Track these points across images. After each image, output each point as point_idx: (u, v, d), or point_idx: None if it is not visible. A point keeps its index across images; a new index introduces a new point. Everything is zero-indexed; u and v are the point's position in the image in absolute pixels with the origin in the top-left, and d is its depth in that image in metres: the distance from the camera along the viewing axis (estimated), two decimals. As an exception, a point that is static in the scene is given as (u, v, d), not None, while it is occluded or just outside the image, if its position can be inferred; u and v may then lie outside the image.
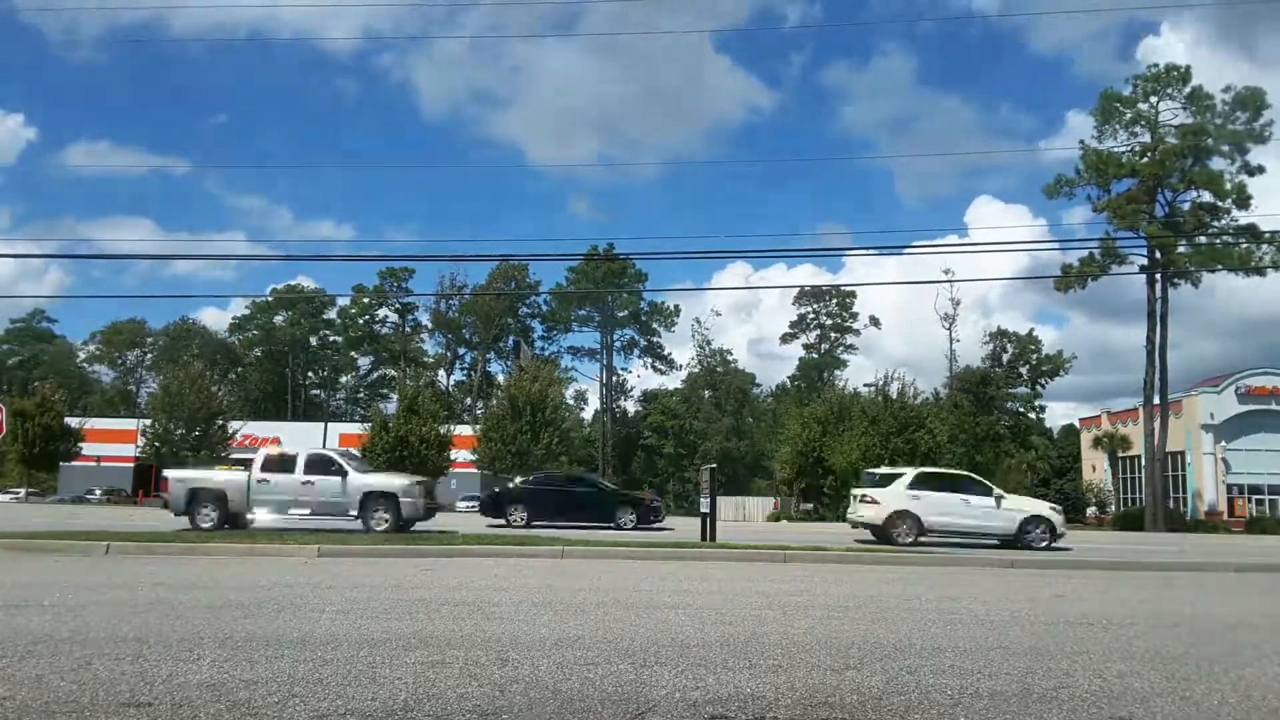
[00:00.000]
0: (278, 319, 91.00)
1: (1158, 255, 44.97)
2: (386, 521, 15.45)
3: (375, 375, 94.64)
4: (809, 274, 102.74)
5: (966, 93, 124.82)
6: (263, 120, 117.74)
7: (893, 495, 16.95)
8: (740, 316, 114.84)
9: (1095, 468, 64.28)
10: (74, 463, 55.11)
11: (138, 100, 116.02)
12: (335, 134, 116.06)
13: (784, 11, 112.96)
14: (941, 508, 16.69)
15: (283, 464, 16.08)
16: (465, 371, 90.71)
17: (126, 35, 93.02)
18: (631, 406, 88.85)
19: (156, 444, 52.32)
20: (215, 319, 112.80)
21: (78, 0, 70.55)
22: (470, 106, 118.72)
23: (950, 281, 60.58)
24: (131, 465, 60.49)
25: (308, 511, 15.72)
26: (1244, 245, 42.24)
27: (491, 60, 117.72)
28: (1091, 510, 61.96)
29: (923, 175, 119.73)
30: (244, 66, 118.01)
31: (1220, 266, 42.64)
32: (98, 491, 56.00)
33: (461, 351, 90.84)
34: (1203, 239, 43.96)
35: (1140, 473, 53.91)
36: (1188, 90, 43.95)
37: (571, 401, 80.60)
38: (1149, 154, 44.43)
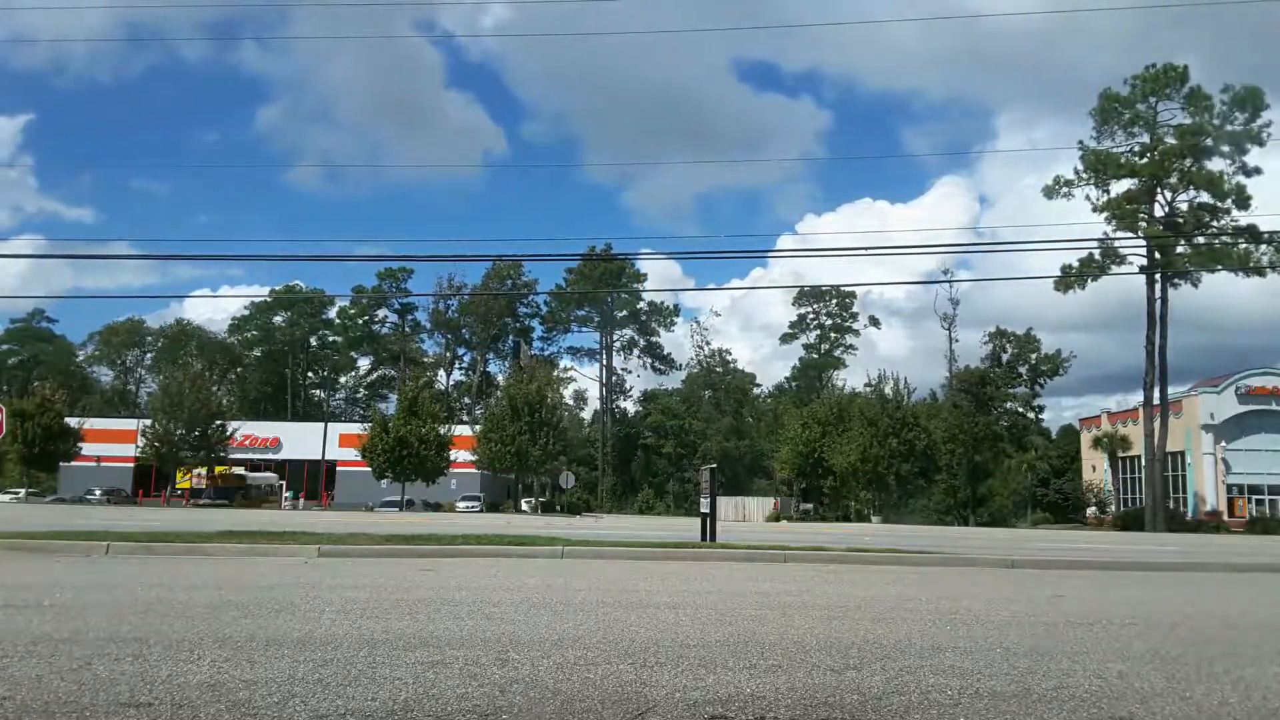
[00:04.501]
0: (277, 319, 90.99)
1: (1157, 255, 44.98)
2: None
3: (375, 375, 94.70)
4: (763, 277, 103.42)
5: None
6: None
7: None
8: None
9: (1095, 468, 64.26)
10: (74, 463, 55.12)
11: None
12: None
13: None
14: None
15: None
16: (464, 372, 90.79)
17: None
18: (631, 406, 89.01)
19: (156, 444, 52.42)
20: (214, 320, 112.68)
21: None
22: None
23: (950, 281, 60.70)
24: (131, 465, 60.52)
25: None
26: (1243, 246, 42.26)
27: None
28: (1091, 510, 61.95)
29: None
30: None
31: (1220, 267, 42.63)
32: (98, 492, 55.97)
33: (461, 352, 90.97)
34: (1201, 239, 43.97)
35: (1140, 473, 53.93)
36: (1186, 90, 43.94)
37: (571, 402, 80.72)
38: (1148, 154, 44.43)
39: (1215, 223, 43.85)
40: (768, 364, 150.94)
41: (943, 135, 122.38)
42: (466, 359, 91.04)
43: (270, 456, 65.14)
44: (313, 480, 62.96)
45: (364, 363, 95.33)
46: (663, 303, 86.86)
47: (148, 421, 54.82)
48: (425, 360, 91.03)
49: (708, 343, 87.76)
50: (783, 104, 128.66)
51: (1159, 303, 45.06)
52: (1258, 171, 42.56)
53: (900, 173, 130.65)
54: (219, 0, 76.21)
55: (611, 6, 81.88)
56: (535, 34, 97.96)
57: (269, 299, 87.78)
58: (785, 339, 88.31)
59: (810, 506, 58.31)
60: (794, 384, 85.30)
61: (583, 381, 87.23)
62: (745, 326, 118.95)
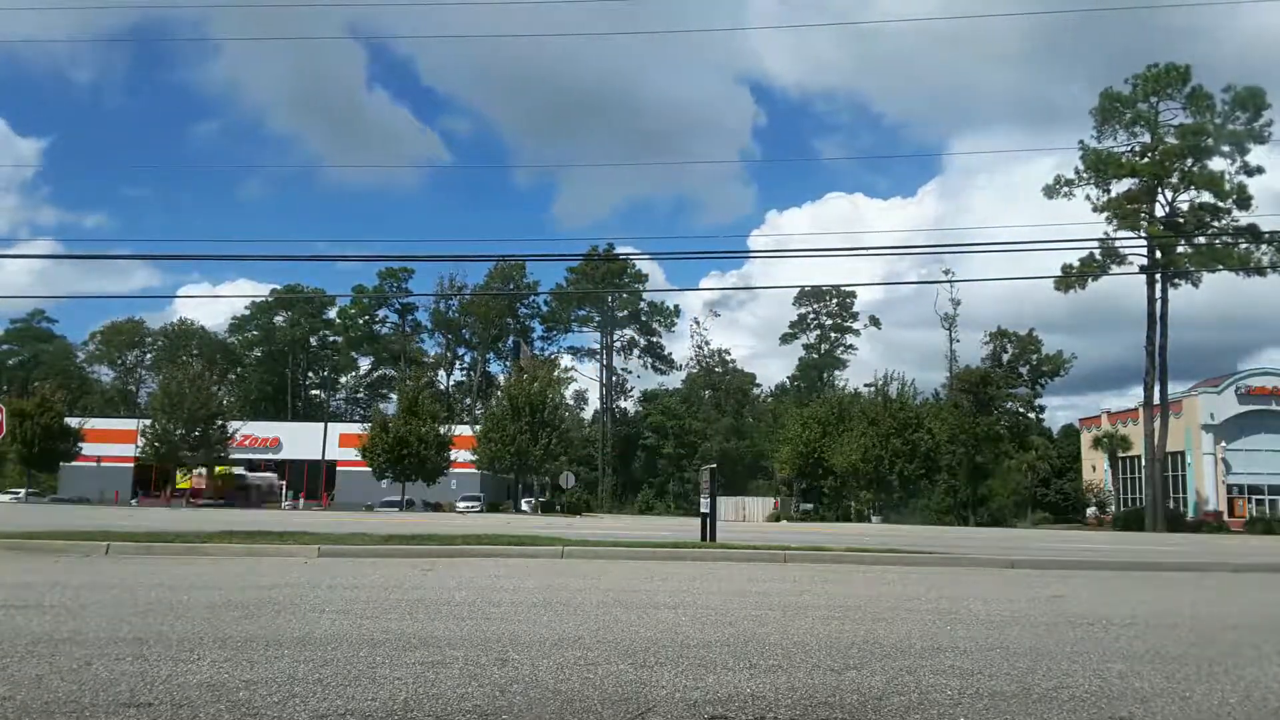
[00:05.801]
0: (278, 319, 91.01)
1: (1158, 255, 44.98)
2: None
3: (375, 375, 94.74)
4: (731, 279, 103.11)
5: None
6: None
7: None
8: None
9: (1095, 468, 64.29)
10: (74, 463, 55.10)
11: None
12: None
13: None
14: None
15: None
16: (465, 372, 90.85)
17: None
18: (631, 406, 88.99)
19: (156, 444, 52.41)
20: (214, 321, 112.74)
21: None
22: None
23: (950, 282, 60.67)
24: (131, 465, 60.53)
25: None
26: (1244, 245, 42.26)
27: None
28: (1091, 510, 61.97)
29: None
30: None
31: (1220, 266, 42.62)
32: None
33: (461, 352, 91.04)
34: (1202, 239, 43.98)
35: (1140, 473, 53.94)
36: (1187, 90, 43.94)
37: (571, 401, 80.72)
38: (1149, 154, 44.42)
39: (1216, 223, 43.85)
40: (749, 364, 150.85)
41: (938, 136, 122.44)
42: (467, 359, 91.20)
43: (270, 456, 65.17)
44: (313, 480, 62.97)
45: (364, 363, 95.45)
46: (663, 302, 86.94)
47: (148, 421, 54.78)
48: (425, 360, 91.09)
49: (707, 342, 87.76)
50: (781, 105, 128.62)
51: (1159, 303, 45.07)
52: (1260, 171, 42.61)
53: (899, 172, 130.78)
54: (206, 2, 76.00)
55: (606, 6, 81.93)
56: (528, 35, 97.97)
57: (269, 299, 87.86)
58: (785, 339, 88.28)
59: (810, 506, 58.30)
60: (797, 385, 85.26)
61: (583, 381, 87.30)
62: (730, 327, 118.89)
